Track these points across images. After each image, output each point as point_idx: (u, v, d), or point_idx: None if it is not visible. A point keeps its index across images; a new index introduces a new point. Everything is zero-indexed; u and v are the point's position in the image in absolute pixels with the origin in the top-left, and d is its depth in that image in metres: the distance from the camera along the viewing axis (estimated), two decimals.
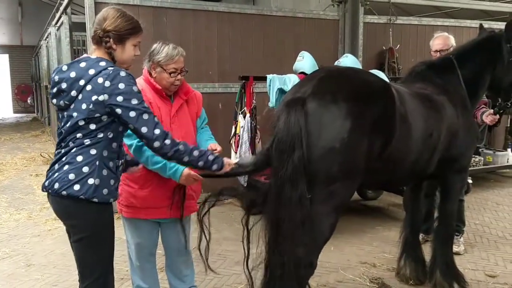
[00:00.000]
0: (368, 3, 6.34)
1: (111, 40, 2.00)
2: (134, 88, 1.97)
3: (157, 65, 2.50)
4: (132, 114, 1.95)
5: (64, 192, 1.93)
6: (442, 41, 3.97)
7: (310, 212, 2.17)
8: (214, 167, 2.18)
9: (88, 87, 1.94)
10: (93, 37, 2.03)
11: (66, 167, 1.96)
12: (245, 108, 4.62)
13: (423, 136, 2.61)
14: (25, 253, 4.08)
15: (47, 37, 10.04)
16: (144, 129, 1.96)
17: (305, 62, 4.62)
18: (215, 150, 2.61)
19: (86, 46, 8.78)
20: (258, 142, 4.78)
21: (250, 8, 6.24)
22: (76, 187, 1.93)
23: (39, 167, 7.93)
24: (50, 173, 2.01)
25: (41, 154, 8.65)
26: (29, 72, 19.33)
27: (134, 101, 1.95)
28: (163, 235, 2.76)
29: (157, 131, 1.98)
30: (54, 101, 2.03)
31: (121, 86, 1.93)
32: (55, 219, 4.93)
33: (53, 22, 8.50)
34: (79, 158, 1.95)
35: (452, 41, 4.00)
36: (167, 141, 2.01)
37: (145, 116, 1.97)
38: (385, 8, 6.73)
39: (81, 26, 8.78)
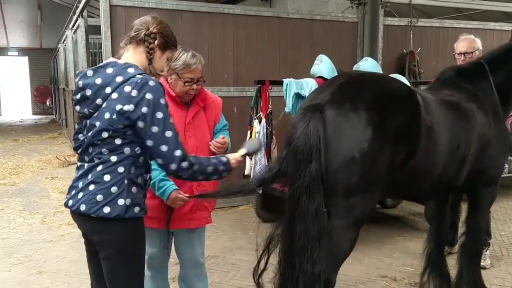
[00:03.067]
0: (388, 4, 6.16)
1: (155, 42, 1.90)
2: (162, 101, 1.82)
3: (173, 71, 2.40)
4: (155, 129, 1.80)
5: (93, 215, 1.82)
6: (467, 44, 3.78)
7: (327, 226, 2.05)
8: (224, 174, 2.04)
9: (114, 95, 1.80)
10: (135, 36, 1.90)
11: (92, 187, 1.83)
12: (260, 113, 4.51)
13: (450, 148, 2.46)
14: (37, 259, 4.04)
15: (64, 40, 10.12)
16: (163, 148, 1.81)
17: (323, 66, 4.49)
18: (221, 142, 2.53)
19: (102, 49, 8.87)
20: (274, 148, 4.65)
21: (267, 11, 6.13)
22: (106, 209, 1.81)
23: (55, 170, 7.97)
24: (74, 192, 1.88)
25: (57, 157, 8.69)
26: (48, 75, 19.65)
27: (159, 115, 1.80)
28: (176, 246, 2.67)
29: (177, 153, 1.83)
30: (78, 108, 1.90)
31: (149, 96, 1.79)
32: (68, 224, 4.90)
33: (70, 25, 8.55)
34: (107, 178, 1.82)
35: (479, 44, 3.80)
36: (184, 164, 1.85)
37: (168, 134, 1.82)
38: (405, 10, 6.54)
39: (97, 29, 8.82)
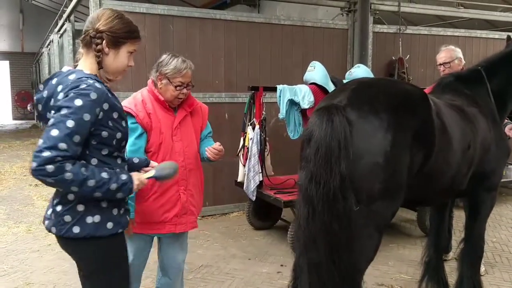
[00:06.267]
0: (377, 12, 6.22)
1: (103, 42, 1.72)
2: (76, 102, 1.59)
3: (164, 76, 2.44)
4: (50, 122, 1.61)
5: (64, 236, 1.73)
6: (445, 54, 3.94)
7: (356, 229, 2.00)
8: (119, 195, 1.73)
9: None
10: (83, 39, 1.74)
11: (59, 208, 1.73)
12: (254, 119, 4.47)
13: (462, 148, 2.47)
14: (23, 270, 3.89)
15: (49, 44, 9.91)
16: (39, 142, 1.58)
17: (317, 72, 4.50)
18: (218, 149, 2.50)
19: None
20: (267, 155, 4.62)
21: (258, 17, 6.11)
22: (76, 229, 1.71)
23: None
24: (48, 211, 1.80)
25: None
26: (30, 79, 19.23)
27: (63, 111, 1.59)
28: (160, 251, 2.64)
29: (46, 153, 1.55)
30: (40, 124, 1.81)
31: (70, 94, 1.61)
32: None
33: (56, 29, 8.38)
34: (71, 197, 1.71)
35: (458, 53, 3.94)
36: (49, 167, 1.55)
37: (54, 132, 1.57)
38: (392, 18, 6.62)
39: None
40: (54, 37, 8.35)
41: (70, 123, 1.59)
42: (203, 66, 5.19)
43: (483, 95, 2.87)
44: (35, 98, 1.77)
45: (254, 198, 4.48)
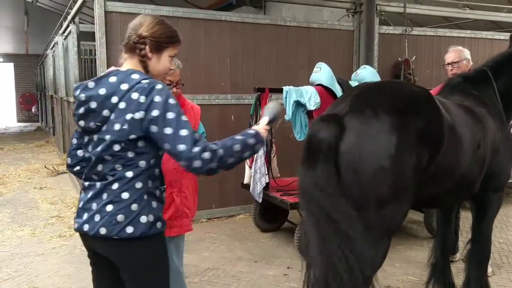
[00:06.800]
0: (383, 13, 6.19)
1: (147, 47, 1.78)
2: (171, 101, 1.70)
3: None
4: (168, 131, 1.67)
5: (116, 237, 1.70)
6: (454, 54, 3.94)
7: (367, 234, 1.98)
8: (257, 147, 1.84)
9: (122, 105, 1.69)
10: (126, 44, 1.80)
11: (110, 207, 1.71)
12: (260, 121, 4.43)
13: (472, 147, 2.45)
14: (28, 273, 3.87)
15: (53, 46, 9.93)
16: (181, 147, 1.65)
17: (322, 74, 4.46)
18: None
19: (93, 55, 8.72)
20: (274, 156, 4.60)
21: (264, 18, 6.09)
22: (129, 229, 1.70)
23: (43, 180, 7.75)
24: (87, 214, 1.75)
25: (45, 166, 8.47)
26: (34, 81, 19.30)
27: (170, 115, 1.67)
28: None
29: (196, 149, 1.66)
30: (82, 123, 1.77)
31: (157, 99, 1.68)
32: (60, 236, 4.74)
33: (60, 31, 8.39)
34: (125, 195, 1.72)
35: (466, 54, 3.95)
36: (206, 155, 1.66)
37: (183, 132, 1.67)
38: (398, 19, 6.59)
39: (88, 36, 8.71)
40: (58, 39, 8.36)
41: (184, 117, 1.71)
42: (209, 67, 5.18)
43: (490, 95, 2.87)
44: (83, 95, 1.74)
45: (260, 200, 4.45)
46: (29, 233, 4.95)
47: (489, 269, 3.83)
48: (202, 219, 5.27)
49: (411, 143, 2.05)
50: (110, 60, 4.70)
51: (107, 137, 1.71)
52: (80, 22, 6.83)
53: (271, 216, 4.87)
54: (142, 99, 1.68)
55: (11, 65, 20.40)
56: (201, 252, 4.30)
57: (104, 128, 1.73)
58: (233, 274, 3.84)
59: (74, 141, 1.91)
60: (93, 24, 4.89)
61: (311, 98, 4.35)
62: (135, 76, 1.73)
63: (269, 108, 2.04)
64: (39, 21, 19.12)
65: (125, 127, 1.68)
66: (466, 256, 3.12)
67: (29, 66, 19.68)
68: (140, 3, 4.97)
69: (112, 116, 1.71)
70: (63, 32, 7.86)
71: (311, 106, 4.33)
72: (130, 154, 1.72)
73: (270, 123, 1.97)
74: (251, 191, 4.45)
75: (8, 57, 20.14)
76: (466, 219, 4.60)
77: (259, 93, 4.52)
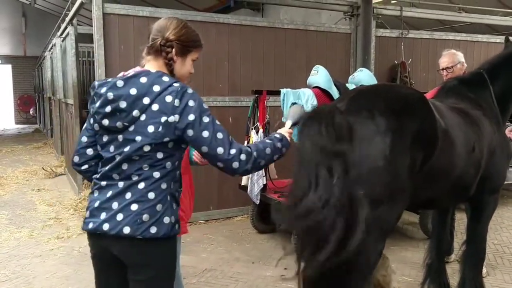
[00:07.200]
0: (380, 16, 6.24)
1: (173, 50, 1.79)
2: (204, 105, 1.75)
3: None
4: (206, 134, 1.71)
5: (139, 236, 1.70)
6: (447, 59, 3.94)
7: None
8: (284, 150, 1.92)
9: (155, 107, 1.68)
10: (151, 46, 1.80)
11: (135, 206, 1.70)
12: (257, 123, 4.47)
13: (467, 150, 2.47)
14: (26, 275, 3.87)
15: (51, 48, 9.94)
16: (220, 150, 1.71)
17: (320, 76, 4.49)
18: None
19: (91, 57, 8.73)
20: None
21: (262, 21, 6.14)
22: (153, 229, 1.70)
23: (41, 181, 7.75)
24: (107, 214, 1.73)
25: (43, 168, 8.46)
26: (32, 83, 19.28)
27: (206, 119, 1.72)
28: None
29: (233, 151, 1.73)
30: (106, 122, 1.73)
31: (191, 103, 1.70)
32: (57, 238, 4.74)
33: (58, 33, 8.40)
34: (151, 195, 1.72)
35: (460, 57, 3.95)
36: (243, 156, 1.74)
37: (219, 135, 1.72)
38: (394, 22, 6.64)
39: (86, 37, 8.73)
40: (56, 41, 8.37)
41: (218, 122, 1.78)
42: (207, 70, 5.20)
43: (486, 98, 2.89)
44: (111, 94, 1.71)
45: (258, 202, 4.48)
46: (26, 234, 4.95)
47: (484, 270, 3.85)
48: (200, 220, 5.29)
49: (405, 145, 2.08)
50: (108, 61, 4.73)
51: (138, 138, 1.69)
52: (78, 24, 6.84)
53: (268, 217, 4.88)
54: (177, 102, 1.69)
55: (9, 67, 20.37)
56: (199, 253, 4.32)
57: (131, 128, 1.71)
58: (230, 275, 3.86)
59: (84, 139, 1.86)
60: (91, 26, 4.92)
61: (308, 100, 4.39)
62: (166, 79, 1.73)
63: (292, 112, 2.09)
64: (37, 23, 19.12)
65: (160, 129, 1.68)
66: (461, 257, 3.15)
67: (27, 68, 19.64)
68: (138, 5, 4.99)
69: (143, 117, 1.69)
70: (61, 34, 7.87)
71: (309, 108, 4.36)
72: (159, 155, 1.72)
73: (293, 126, 2.03)
74: (249, 193, 4.47)
75: (6, 59, 20.10)
76: (461, 220, 4.65)
77: (257, 95, 4.55)
